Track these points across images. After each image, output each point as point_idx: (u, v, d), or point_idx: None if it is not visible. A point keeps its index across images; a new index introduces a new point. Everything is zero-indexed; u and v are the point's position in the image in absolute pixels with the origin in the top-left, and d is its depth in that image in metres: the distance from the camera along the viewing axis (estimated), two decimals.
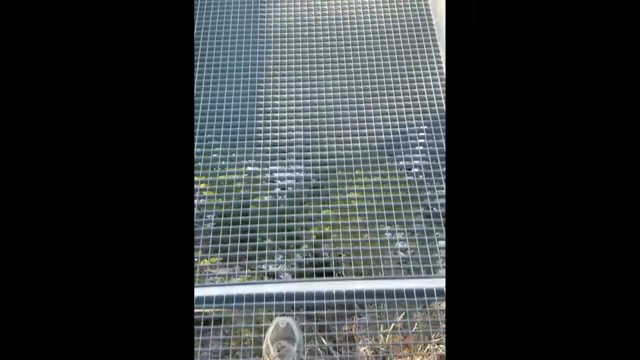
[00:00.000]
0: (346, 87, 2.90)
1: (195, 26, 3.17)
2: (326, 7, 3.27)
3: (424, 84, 2.86)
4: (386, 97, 2.84)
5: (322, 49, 3.06)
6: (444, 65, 2.94)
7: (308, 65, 2.99)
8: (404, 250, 2.36)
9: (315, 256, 2.34)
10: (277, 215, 2.45)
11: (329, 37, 3.12)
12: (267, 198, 2.51)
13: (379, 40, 3.08)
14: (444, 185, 2.51)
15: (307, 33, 3.14)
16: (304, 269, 2.33)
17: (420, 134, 2.70)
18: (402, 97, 2.84)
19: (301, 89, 2.90)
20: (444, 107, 2.78)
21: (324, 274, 2.28)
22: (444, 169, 2.55)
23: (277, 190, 2.56)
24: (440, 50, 3.00)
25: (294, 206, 2.49)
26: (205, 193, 2.52)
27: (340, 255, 2.34)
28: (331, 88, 2.89)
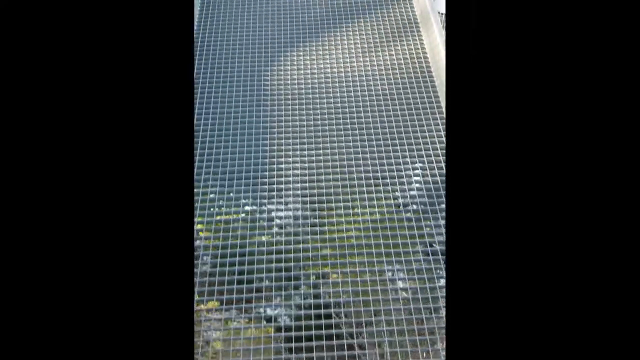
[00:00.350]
0: (348, 126, 2.93)
1: (197, 62, 3.24)
2: (329, 68, 3.34)
3: (425, 128, 2.89)
4: (388, 136, 2.86)
5: (324, 92, 3.11)
6: (443, 107, 2.98)
7: (313, 109, 3.03)
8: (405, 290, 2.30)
9: (314, 295, 2.28)
10: (274, 256, 2.41)
11: (330, 84, 3.18)
12: (264, 238, 2.48)
13: (380, 89, 3.14)
14: (443, 222, 2.48)
15: (309, 81, 3.21)
16: (308, 312, 2.25)
17: (417, 171, 2.70)
18: (403, 135, 2.85)
19: (299, 127, 2.94)
20: (444, 145, 2.80)
21: (324, 324, 2.20)
22: (443, 206, 2.53)
23: (276, 232, 2.53)
24: (440, 96, 3.05)
25: (291, 245, 2.45)
26: (202, 234, 2.49)
27: (341, 299, 2.27)
28: (334, 126, 2.92)
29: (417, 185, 2.65)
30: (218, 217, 2.55)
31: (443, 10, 3.36)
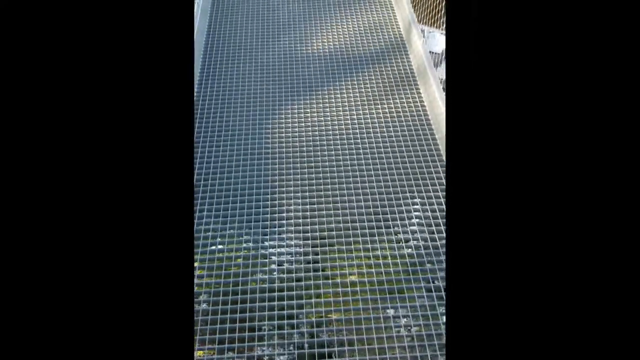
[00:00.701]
0: (349, 169, 2.93)
1: (202, 99, 3.29)
2: (329, 118, 3.39)
3: (425, 172, 2.90)
4: (387, 172, 2.87)
5: (324, 139, 3.14)
6: (442, 152, 2.99)
7: (313, 153, 3.05)
8: (408, 329, 2.22)
9: (314, 336, 2.20)
10: (275, 294, 2.34)
11: (330, 132, 3.22)
12: (263, 276, 2.42)
13: (379, 135, 3.17)
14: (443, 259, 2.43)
15: (310, 129, 3.24)
16: (305, 351, 2.17)
17: (415, 206, 2.68)
18: (403, 177, 2.85)
19: (300, 169, 2.95)
20: (443, 182, 2.79)
21: None
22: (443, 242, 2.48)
23: (275, 270, 2.47)
24: (439, 144, 3.07)
25: (293, 283, 2.39)
26: (200, 272, 2.44)
27: (341, 339, 2.19)
28: (334, 169, 2.93)
29: (417, 220, 2.63)
30: (217, 255, 2.50)
31: (436, 50, 3.45)
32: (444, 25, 3.71)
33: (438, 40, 3.61)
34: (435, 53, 3.45)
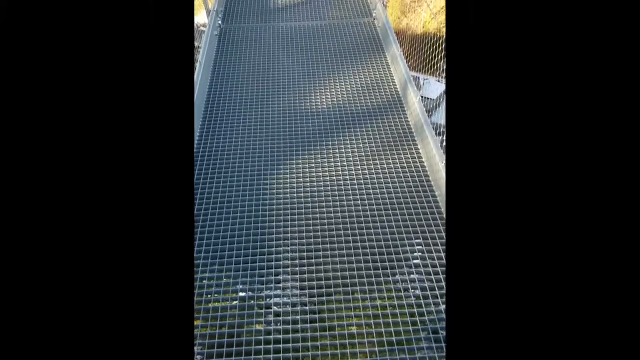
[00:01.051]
0: (346, 219, 2.92)
1: (203, 143, 3.30)
2: (327, 177, 3.41)
3: (424, 222, 2.89)
4: (385, 224, 2.85)
5: (322, 191, 3.14)
6: (441, 204, 2.99)
7: (311, 202, 3.05)
8: None
9: None
10: (271, 346, 2.28)
11: (328, 184, 3.22)
12: (260, 327, 2.36)
13: (377, 187, 3.18)
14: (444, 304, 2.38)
15: (307, 179, 3.25)
16: None
17: (415, 256, 2.65)
18: (400, 223, 2.83)
19: (297, 216, 2.94)
20: (443, 225, 2.77)
21: None
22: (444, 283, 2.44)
23: (271, 320, 2.41)
24: (438, 197, 3.08)
25: (290, 329, 2.33)
26: (196, 322, 2.38)
27: None
28: (331, 215, 2.92)
29: (417, 270, 2.59)
30: (212, 304, 2.45)
31: (432, 96, 3.50)
32: (438, 73, 3.80)
33: (433, 87, 3.69)
34: (430, 99, 3.52)
